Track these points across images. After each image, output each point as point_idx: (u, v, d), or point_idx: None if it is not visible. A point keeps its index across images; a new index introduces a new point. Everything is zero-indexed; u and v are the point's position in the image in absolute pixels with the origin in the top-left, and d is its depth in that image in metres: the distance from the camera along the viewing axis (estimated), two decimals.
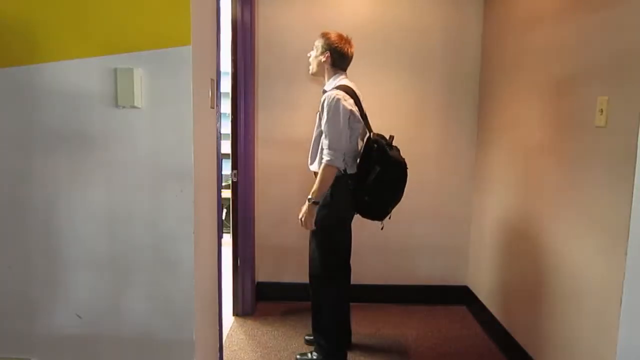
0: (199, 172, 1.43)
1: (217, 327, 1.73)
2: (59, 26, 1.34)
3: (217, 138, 1.67)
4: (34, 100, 1.36)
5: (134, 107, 1.35)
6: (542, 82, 2.21)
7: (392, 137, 2.23)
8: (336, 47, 2.26)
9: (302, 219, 2.21)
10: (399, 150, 2.24)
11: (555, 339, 2.03)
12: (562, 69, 2.03)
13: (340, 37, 2.28)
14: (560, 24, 2.06)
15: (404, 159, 2.21)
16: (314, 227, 2.20)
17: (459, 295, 3.15)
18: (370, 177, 2.16)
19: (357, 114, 2.19)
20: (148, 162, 1.38)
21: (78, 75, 1.35)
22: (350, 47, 2.29)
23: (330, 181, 2.15)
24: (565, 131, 1.99)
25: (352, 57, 2.31)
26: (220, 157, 1.74)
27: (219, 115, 1.69)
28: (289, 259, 3.16)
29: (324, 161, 2.14)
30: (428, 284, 3.13)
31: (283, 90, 3.03)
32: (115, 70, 1.33)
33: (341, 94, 2.17)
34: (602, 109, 1.69)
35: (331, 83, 2.27)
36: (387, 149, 2.19)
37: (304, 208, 2.20)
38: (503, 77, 2.69)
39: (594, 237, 1.76)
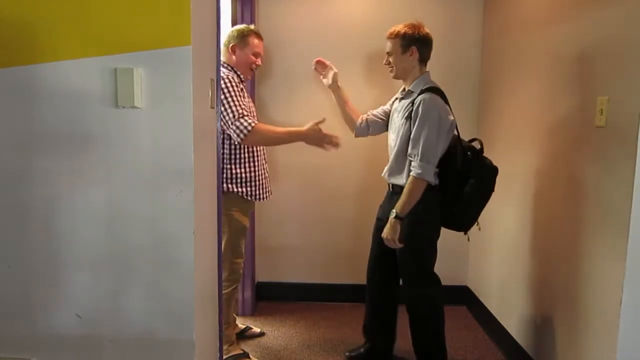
0: (199, 172, 1.43)
1: (217, 327, 1.73)
2: (59, 26, 1.34)
3: (217, 138, 1.67)
4: (34, 100, 1.36)
5: (134, 107, 1.35)
6: (541, 82, 2.21)
7: (480, 142, 2.10)
8: (419, 37, 2.05)
9: (389, 237, 2.04)
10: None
11: (556, 339, 2.03)
12: (562, 69, 2.03)
13: (413, 25, 2.07)
14: (560, 23, 2.06)
15: (495, 165, 2.10)
16: (400, 245, 2.05)
17: (459, 295, 3.15)
18: (467, 189, 2.03)
19: (455, 122, 2.05)
20: (148, 162, 1.37)
21: (78, 75, 1.35)
22: (427, 29, 2.08)
23: (419, 196, 1.99)
24: (565, 131, 1.99)
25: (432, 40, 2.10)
26: (220, 157, 1.74)
27: (219, 115, 1.69)
28: (289, 259, 3.17)
29: (413, 174, 1.97)
30: None
31: (283, 90, 3.03)
32: (115, 70, 1.33)
33: (440, 101, 2.00)
34: (602, 109, 1.69)
35: (418, 83, 2.07)
36: (483, 157, 2.06)
37: (388, 225, 2.04)
38: (503, 77, 2.69)
39: (593, 237, 1.76)
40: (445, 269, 3.15)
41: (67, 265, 1.41)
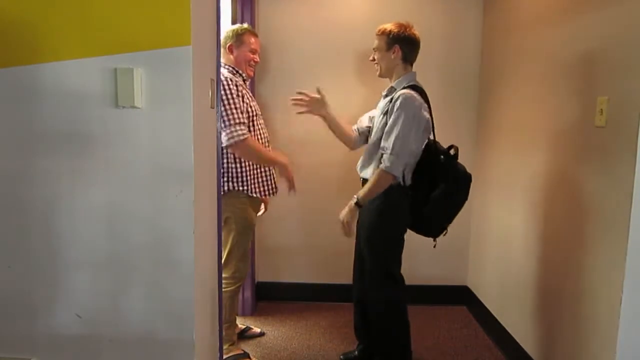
0: (199, 172, 1.43)
1: (217, 327, 1.73)
2: (59, 26, 1.34)
3: (217, 138, 1.67)
4: (34, 101, 1.36)
5: (134, 107, 1.35)
6: (541, 82, 2.21)
7: (456, 148, 2.06)
8: (404, 36, 2.05)
9: (342, 219, 2.03)
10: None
11: (555, 339, 2.03)
12: (562, 69, 2.03)
13: (401, 24, 2.07)
14: (559, 23, 2.06)
15: (469, 173, 2.07)
16: (353, 233, 2.05)
17: (459, 295, 3.16)
18: (435, 193, 2.01)
19: (431, 123, 2.02)
20: (148, 162, 1.37)
21: (78, 75, 1.35)
22: (415, 31, 2.08)
23: (383, 189, 1.97)
24: (565, 131, 1.99)
25: (420, 43, 2.09)
26: (220, 157, 1.74)
27: (219, 115, 1.69)
28: (289, 259, 3.17)
29: (382, 166, 1.95)
30: (428, 284, 3.13)
31: (283, 90, 3.02)
32: (115, 70, 1.33)
33: (418, 98, 1.97)
34: (602, 109, 1.69)
35: (402, 81, 2.06)
36: (455, 163, 2.03)
37: (346, 208, 2.02)
38: (503, 77, 2.69)
39: (593, 236, 1.76)
40: (445, 269, 3.18)
41: (67, 265, 1.42)
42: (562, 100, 2.02)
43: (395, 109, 1.95)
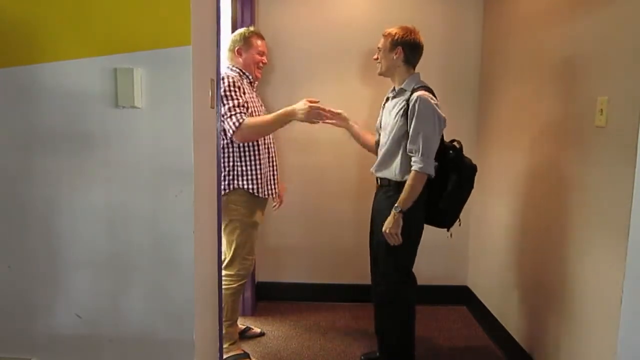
0: (199, 172, 1.43)
1: (217, 327, 1.73)
2: (59, 26, 1.34)
3: (217, 138, 1.67)
4: (34, 101, 1.36)
5: (134, 107, 1.35)
6: (541, 82, 2.21)
7: (459, 142, 2.19)
8: (407, 39, 2.13)
9: (389, 231, 2.05)
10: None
11: (555, 339, 2.03)
12: (562, 69, 2.03)
13: (406, 28, 2.15)
14: (560, 23, 2.06)
15: (474, 164, 2.20)
16: (400, 241, 2.06)
17: (459, 295, 3.16)
18: (449, 186, 2.13)
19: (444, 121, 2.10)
20: (148, 162, 1.38)
21: (78, 75, 1.35)
22: (420, 36, 2.16)
23: (420, 189, 2.03)
24: (565, 131, 1.99)
25: (423, 48, 2.18)
26: (220, 157, 1.74)
27: (219, 115, 1.69)
28: (289, 259, 3.17)
29: (415, 168, 2.01)
30: (428, 284, 3.12)
31: (283, 90, 3.03)
32: (115, 70, 1.33)
33: (434, 98, 2.07)
34: (602, 109, 1.69)
35: (410, 82, 2.15)
36: (462, 155, 2.16)
37: (390, 219, 2.06)
38: (503, 77, 2.69)
39: (593, 237, 1.76)
40: (445, 269, 3.18)
41: (67, 265, 1.42)
42: (562, 100, 2.02)
43: (416, 111, 2.02)
